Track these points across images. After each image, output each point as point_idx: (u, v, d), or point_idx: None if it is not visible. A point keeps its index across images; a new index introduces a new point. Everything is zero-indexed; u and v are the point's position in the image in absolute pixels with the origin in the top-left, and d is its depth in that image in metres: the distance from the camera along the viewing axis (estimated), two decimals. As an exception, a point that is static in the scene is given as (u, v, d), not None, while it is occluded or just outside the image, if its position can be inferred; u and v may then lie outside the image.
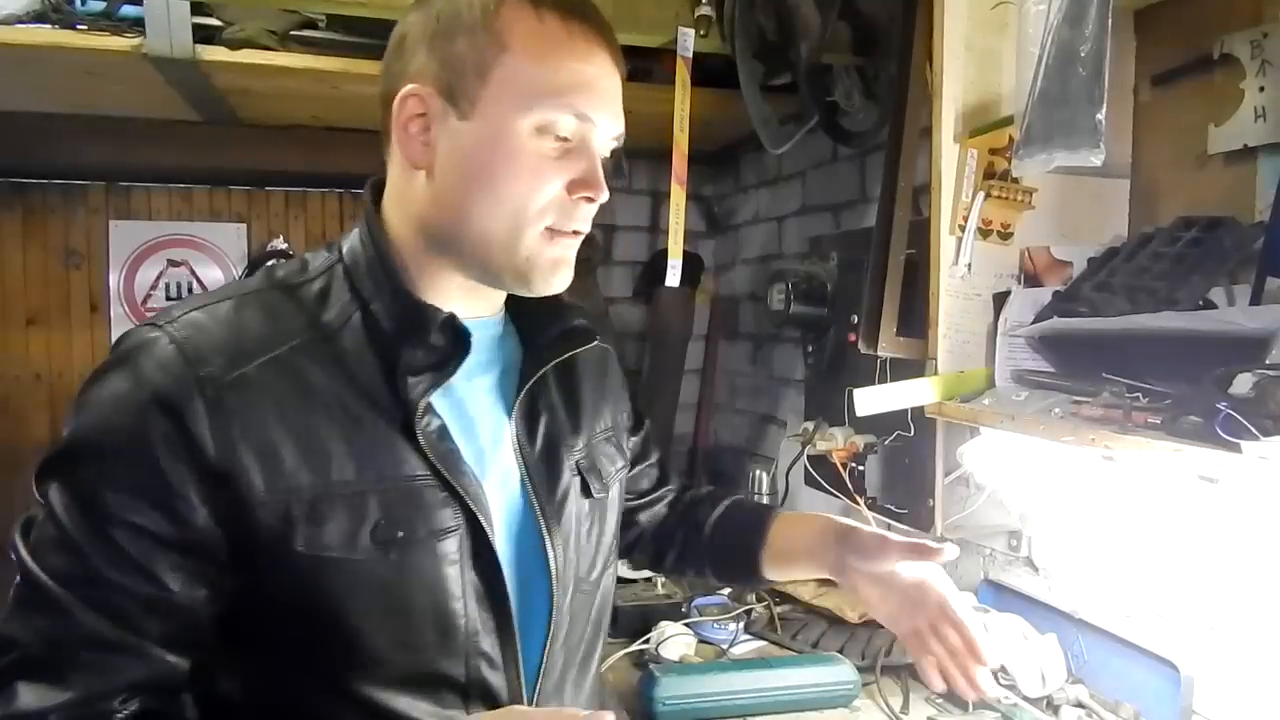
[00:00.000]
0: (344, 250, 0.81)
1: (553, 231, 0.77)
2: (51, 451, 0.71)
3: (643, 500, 1.16)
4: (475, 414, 0.83)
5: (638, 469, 1.14)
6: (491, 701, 0.79)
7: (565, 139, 0.76)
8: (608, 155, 0.82)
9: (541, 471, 0.85)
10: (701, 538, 1.12)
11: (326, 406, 0.73)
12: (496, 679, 0.79)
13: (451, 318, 0.78)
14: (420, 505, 0.75)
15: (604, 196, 0.79)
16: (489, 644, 0.79)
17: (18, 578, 0.70)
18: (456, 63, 0.75)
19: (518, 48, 0.74)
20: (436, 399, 0.78)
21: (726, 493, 1.18)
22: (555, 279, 0.80)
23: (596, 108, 0.77)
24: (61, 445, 0.71)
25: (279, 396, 0.72)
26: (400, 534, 0.73)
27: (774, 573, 1.07)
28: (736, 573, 1.14)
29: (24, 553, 0.70)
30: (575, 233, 0.79)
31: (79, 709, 0.67)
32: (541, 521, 0.83)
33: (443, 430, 0.78)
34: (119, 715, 0.69)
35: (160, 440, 0.68)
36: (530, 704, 0.82)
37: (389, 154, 0.81)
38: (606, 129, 0.79)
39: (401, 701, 0.75)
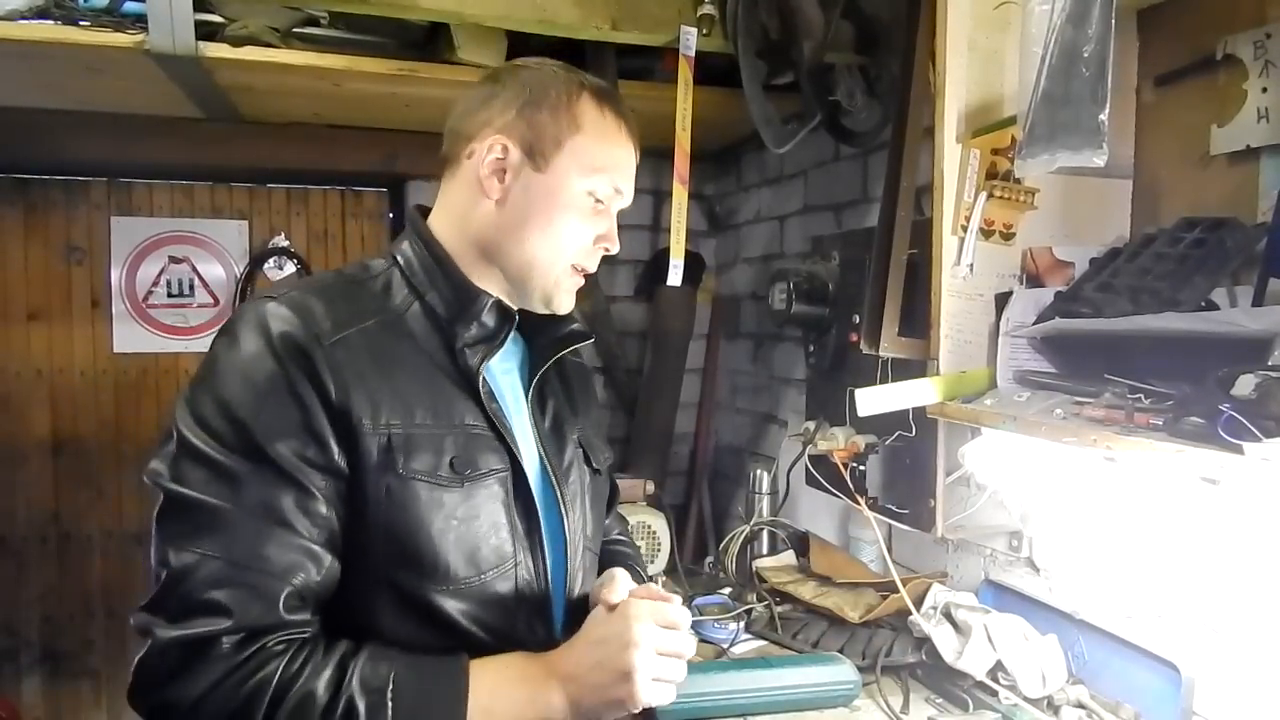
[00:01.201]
0: (398, 256, 1.00)
1: (575, 269, 1.00)
2: (197, 407, 0.84)
3: None
4: (504, 389, 1.01)
5: None
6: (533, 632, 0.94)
7: (600, 202, 0.99)
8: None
9: (552, 442, 1.04)
10: None
11: (406, 368, 0.92)
12: (537, 613, 0.95)
13: (499, 300, 0.99)
14: (480, 448, 0.93)
15: (617, 249, 1.02)
16: (529, 574, 0.95)
17: (173, 513, 0.81)
18: (540, 129, 0.97)
19: (587, 130, 0.98)
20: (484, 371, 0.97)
21: (617, 550, 1.22)
22: (567, 303, 1.03)
23: (626, 183, 1.02)
24: (206, 396, 0.84)
25: (372, 357, 0.89)
26: (469, 469, 0.91)
27: None
28: None
29: (183, 489, 0.81)
30: (585, 272, 1.02)
31: (292, 609, 0.81)
32: (554, 481, 1.01)
33: (492, 394, 0.97)
34: (315, 627, 0.84)
35: (298, 376, 0.84)
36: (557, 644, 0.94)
37: (452, 176, 1.01)
38: (628, 198, 1.03)
39: (466, 618, 0.90)
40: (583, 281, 1.03)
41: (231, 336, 0.87)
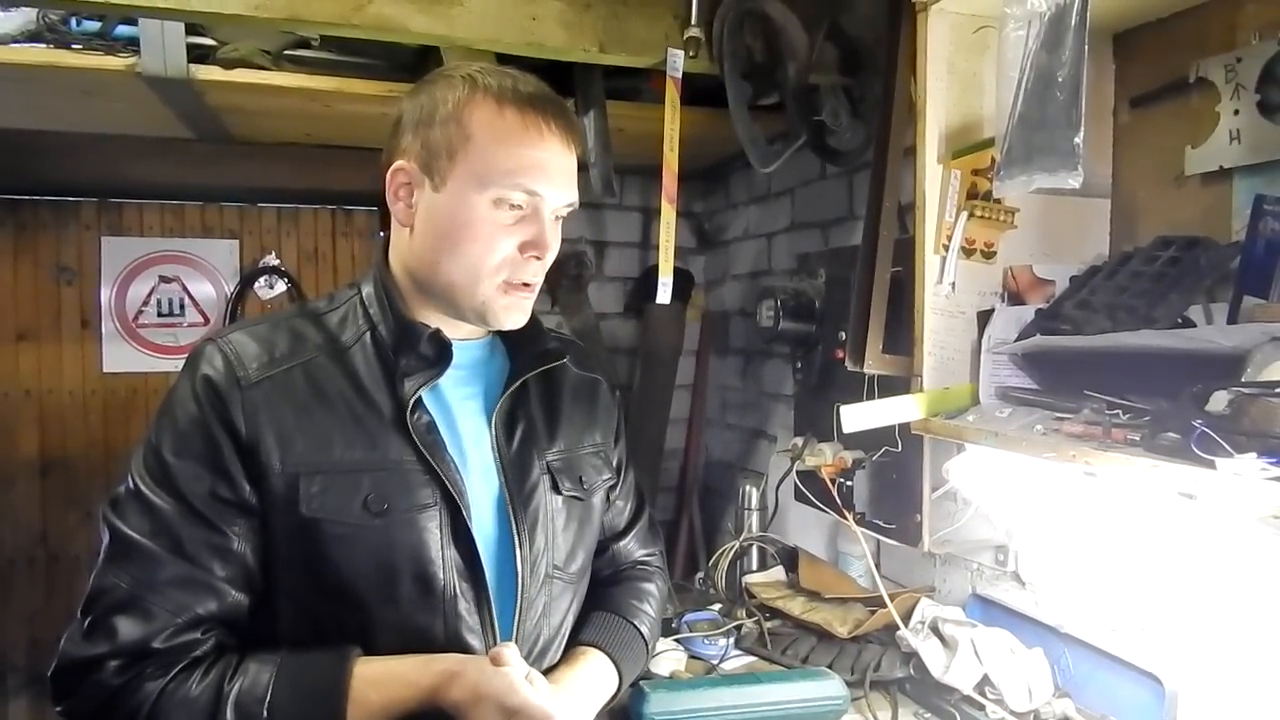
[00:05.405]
0: (361, 288, 1.02)
1: (508, 284, 0.96)
2: (142, 443, 0.91)
3: (619, 539, 1.20)
4: (460, 417, 1.00)
5: (617, 506, 1.19)
6: None
7: (519, 207, 0.94)
8: (562, 216, 0.99)
9: (515, 467, 1.00)
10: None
11: (334, 404, 0.93)
12: (475, 641, 0.94)
13: (437, 331, 0.97)
14: (405, 484, 0.92)
15: (551, 254, 0.97)
16: (466, 609, 0.93)
17: (106, 540, 0.88)
18: (434, 146, 0.94)
19: (480, 136, 0.93)
20: (428, 401, 0.96)
21: (635, 597, 1.16)
22: (509, 319, 0.99)
23: (543, 184, 0.94)
24: (148, 436, 0.91)
25: (296, 395, 0.92)
26: (386, 506, 0.91)
27: None
28: None
29: (115, 520, 0.88)
30: (526, 285, 0.97)
31: (173, 636, 0.85)
32: (510, 508, 0.98)
33: (431, 425, 0.96)
34: (204, 646, 0.87)
35: (213, 418, 0.89)
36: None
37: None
38: (555, 198, 0.96)
39: (389, 648, 0.90)
40: (528, 293, 0.98)
41: (180, 376, 0.93)
